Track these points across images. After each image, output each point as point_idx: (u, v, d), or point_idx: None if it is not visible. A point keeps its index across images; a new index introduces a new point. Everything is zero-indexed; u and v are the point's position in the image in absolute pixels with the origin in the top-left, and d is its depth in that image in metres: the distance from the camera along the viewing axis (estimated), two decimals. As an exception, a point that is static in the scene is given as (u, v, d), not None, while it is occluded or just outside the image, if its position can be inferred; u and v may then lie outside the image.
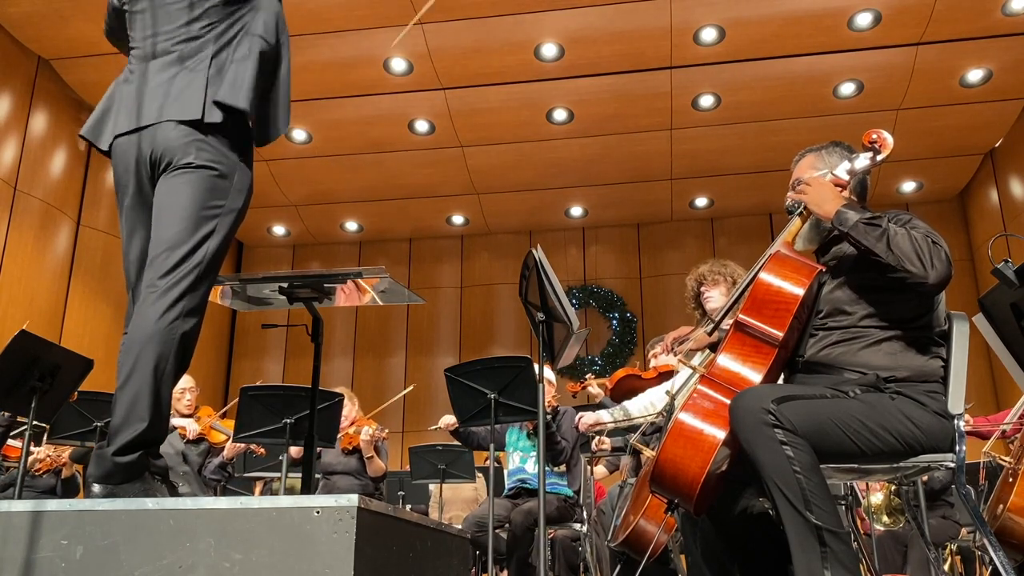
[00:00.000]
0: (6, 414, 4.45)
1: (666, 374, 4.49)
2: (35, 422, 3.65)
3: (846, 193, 2.39)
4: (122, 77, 2.25)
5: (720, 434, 2.03)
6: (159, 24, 2.20)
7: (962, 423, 2.14)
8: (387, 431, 5.56)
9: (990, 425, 4.64)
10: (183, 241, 2.01)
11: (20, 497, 3.73)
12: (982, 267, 8.92)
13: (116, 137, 2.15)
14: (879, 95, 7.75)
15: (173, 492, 2.07)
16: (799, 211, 2.36)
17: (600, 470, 6.50)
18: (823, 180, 2.34)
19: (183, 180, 2.05)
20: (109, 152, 2.20)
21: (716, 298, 3.58)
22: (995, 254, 2.22)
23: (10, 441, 5.08)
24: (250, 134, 2.22)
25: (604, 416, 4.13)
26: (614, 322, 10.02)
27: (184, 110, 2.07)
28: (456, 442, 5.36)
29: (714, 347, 2.54)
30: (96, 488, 1.91)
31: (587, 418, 4.23)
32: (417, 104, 8.03)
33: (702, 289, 3.65)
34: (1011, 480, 3.23)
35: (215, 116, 2.08)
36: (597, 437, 4.76)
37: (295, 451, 5.23)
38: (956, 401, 2.15)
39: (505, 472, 5.29)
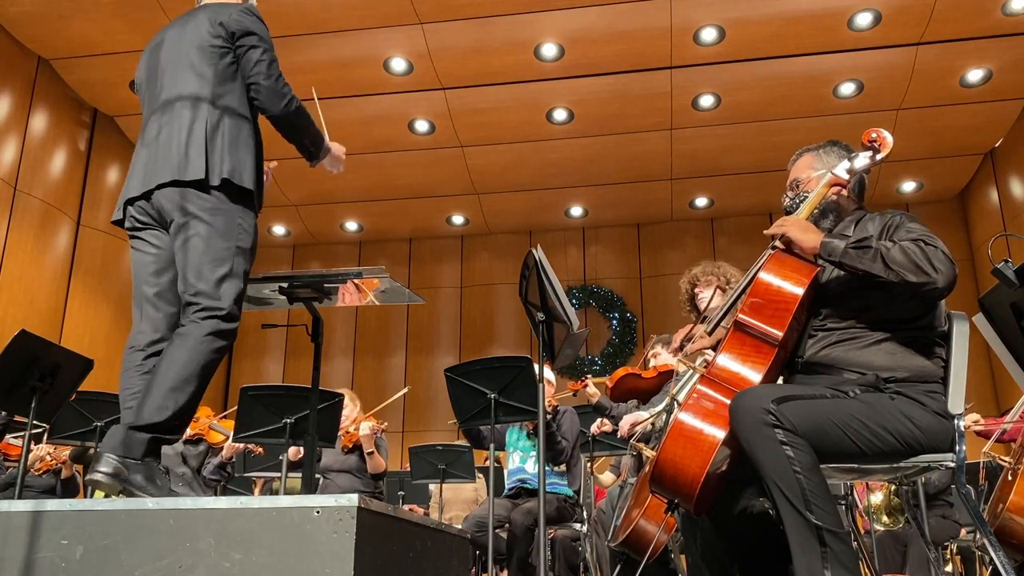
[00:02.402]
0: (2, 412, 4.45)
1: (666, 374, 4.49)
2: (35, 422, 3.64)
3: (845, 192, 2.38)
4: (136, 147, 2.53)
5: (720, 434, 2.03)
6: (157, 96, 2.48)
7: (962, 423, 2.13)
8: (386, 423, 5.56)
9: (996, 424, 4.66)
10: (205, 284, 2.28)
11: (20, 497, 3.73)
12: (982, 267, 8.91)
13: (128, 202, 2.43)
14: (879, 95, 7.75)
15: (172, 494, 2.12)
16: (773, 244, 2.27)
17: (608, 476, 6.48)
18: (794, 217, 2.31)
19: (192, 233, 2.31)
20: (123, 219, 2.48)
21: (708, 298, 3.58)
22: (995, 254, 2.22)
23: (11, 440, 5.08)
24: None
25: (642, 414, 4.12)
26: (614, 322, 10.02)
27: (187, 171, 2.32)
28: (457, 442, 5.37)
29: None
30: (100, 461, 2.05)
31: (628, 419, 4.22)
32: (417, 104, 8.03)
33: (696, 291, 3.65)
34: (1011, 480, 3.23)
35: (216, 180, 2.34)
36: (600, 419, 4.75)
37: (293, 453, 5.23)
38: (956, 401, 2.15)
39: (505, 472, 5.28)
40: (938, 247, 2.07)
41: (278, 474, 5.34)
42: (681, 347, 2.65)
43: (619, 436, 4.35)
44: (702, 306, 3.61)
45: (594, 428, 4.84)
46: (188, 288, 2.29)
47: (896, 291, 2.13)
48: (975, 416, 5.02)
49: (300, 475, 5.33)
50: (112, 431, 2.13)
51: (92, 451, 5.37)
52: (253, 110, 2.53)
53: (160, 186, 2.34)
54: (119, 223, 2.50)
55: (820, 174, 2.41)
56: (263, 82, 2.46)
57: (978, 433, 4.95)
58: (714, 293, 3.48)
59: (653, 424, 4.10)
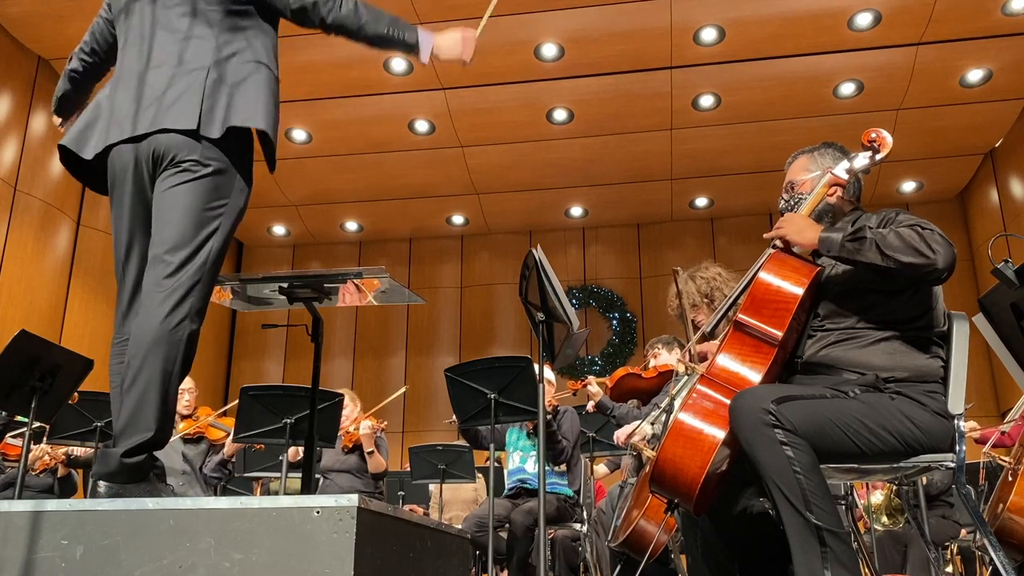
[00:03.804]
0: (3, 413, 4.45)
1: (666, 374, 4.49)
2: (35, 422, 3.64)
3: (840, 192, 2.38)
4: (108, 89, 2.21)
5: (720, 434, 2.03)
6: (155, 33, 2.17)
7: (962, 423, 2.13)
8: (386, 423, 5.56)
9: (996, 431, 4.67)
10: (187, 241, 2.00)
11: (20, 497, 3.73)
12: (982, 267, 8.92)
13: (112, 146, 2.12)
14: (879, 95, 7.75)
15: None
16: (772, 246, 2.28)
17: (601, 469, 6.51)
18: (793, 214, 2.32)
19: (185, 179, 2.04)
20: (93, 161, 2.15)
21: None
22: (995, 254, 2.22)
23: (10, 440, 5.08)
24: (250, 137, 2.19)
25: (647, 429, 4.14)
26: (614, 322, 10.02)
27: (179, 119, 2.05)
28: (457, 442, 5.37)
29: None
30: (102, 487, 1.92)
31: (623, 431, 4.30)
32: (417, 104, 8.03)
33: (693, 317, 3.60)
34: (1011, 480, 3.24)
35: (213, 131, 2.06)
36: (591, 403, 4.76)
37: (292, 454, 5.24)
38: (956, 401, 2.15)
39: (505, 472, 5.29)
40: (934, 230, 2.07)
41: (278, 474, 5.34)
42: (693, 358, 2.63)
43: (620, 443, 4.39)
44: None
45: (589, 407, 4.82)
46: (162, 243, 2.00)
47: (898, 281, 2.12)
48: (972, 424, 5.03)
49: (300, 475, 5.33)
50: (104, 457, 1.92)
51: (89, 452, 5.41)
52: (272, 56, 2.24)
53: (149, 134, 2.05)
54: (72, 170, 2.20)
55: (815, 176, 2.41)
56: (317, 1, 2.19)
57: (977, 440, 4.95)
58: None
59: (652, 425, 4.11)
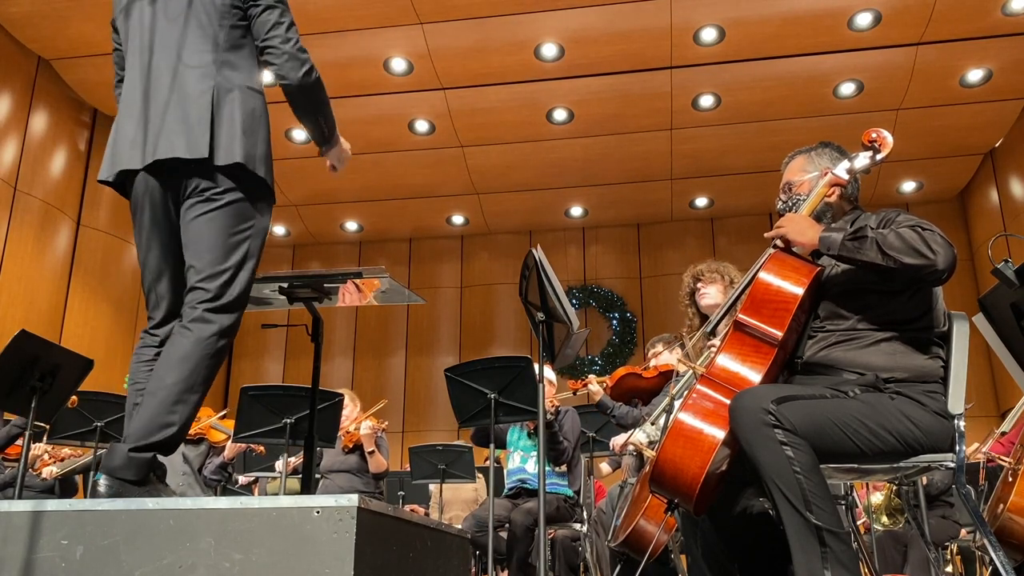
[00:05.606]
0: (11, 419, 4.47)
1: (666, 374, 4.49)
2: (35, 422, 3.64)
3: (838, 192, 2.37)
4: (121, 108, 2.25)
5: (720, 434, 2.02)
6: (154, 48, 2.19)
7: (962, 423, 2.13)
8: (386, 422, 5.56)
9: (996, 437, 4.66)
10: (220, 267, 2.09)
11: (20, 497, 3.73)
12: (982, 267, 8.92)
13: (132, 172, 2.16)
14: (879, 95, 7.75)
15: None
16: (773, 245, 2.28)
17: (604, 467, 6.52)
18: (794, 214, 2.32)
19: (207, 209, 2.10)
20: (116, 183, 2.23)
21: (712, 295, 3.58)
22: (995, 254, 2.21)
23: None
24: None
25: (640, 437, 4.14)
26: (614, 322, 10.02)
27: (191, 148, 2.09)
28: (456, 442, 5.37)
29: None
30: (102, 485, 1.94)
31: (618, 439, 4.37)
32: (417, 104, 8.03)
33: (698, 285, 3.65)
34: (1011, 480, 3.23)
35: (225, 159, 2.09)
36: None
37: (293, 462, 5.24)
38: (956, 401, 2.15)
39: (505, 472, 5.29)
40: (935, 231, 2.07)
41: (276, 474, 5.34)
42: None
43: (616, 452, 4.43)
44: (702, 302, 3.61)
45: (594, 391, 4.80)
46: (198, 272, 2.09)
47: (898, 281, 2.12)
48: (975, 445, 5.03)
49: (299, 476, 5.33)
50: (112, 451, 1.98)
51: (81, 460, 5.44)
52: (259, 83, 2.25)
53: (159, 162, 2.09)
54: (107, 183, 2.23)
55: (812, 176, 2.41)
56: (281, 46, 2.17)
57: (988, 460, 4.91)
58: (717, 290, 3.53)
59: (650, 428, 4.12)
